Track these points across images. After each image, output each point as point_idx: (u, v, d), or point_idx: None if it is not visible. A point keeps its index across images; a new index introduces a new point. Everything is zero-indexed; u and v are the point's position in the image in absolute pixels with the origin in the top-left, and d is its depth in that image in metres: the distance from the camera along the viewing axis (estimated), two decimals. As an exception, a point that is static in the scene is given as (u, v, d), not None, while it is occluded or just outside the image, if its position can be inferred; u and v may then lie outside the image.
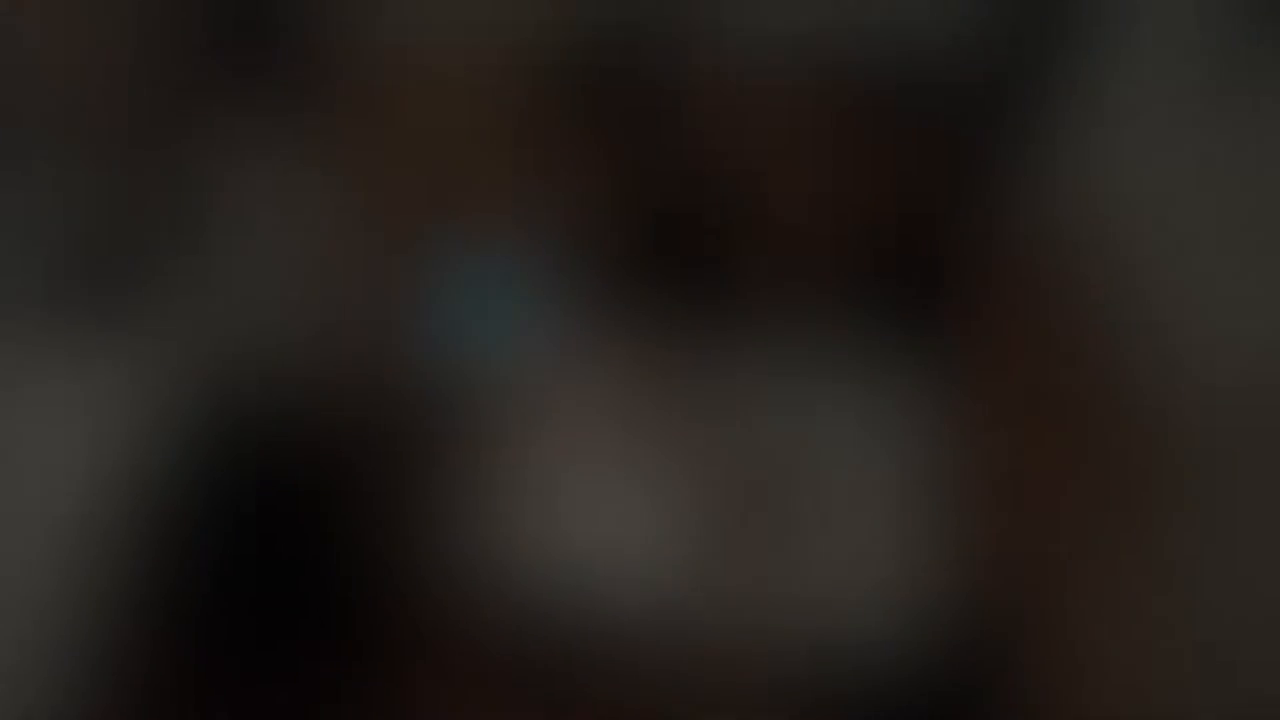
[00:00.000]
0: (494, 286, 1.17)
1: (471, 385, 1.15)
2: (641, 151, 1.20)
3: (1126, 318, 1.15)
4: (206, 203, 1.15)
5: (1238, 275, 1.15)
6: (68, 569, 1.09)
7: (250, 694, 1.10)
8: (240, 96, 1.17)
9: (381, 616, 1.12)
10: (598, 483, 1.14)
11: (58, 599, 1.09)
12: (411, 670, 1.11)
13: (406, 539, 1.12)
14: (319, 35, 1.19)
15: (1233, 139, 1.16)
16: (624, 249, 1.19)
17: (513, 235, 1.18)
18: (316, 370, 1.14)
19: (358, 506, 1.13)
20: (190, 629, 1.10)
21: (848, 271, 1.18)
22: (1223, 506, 1.13)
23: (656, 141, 1.20)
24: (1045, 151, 1.19)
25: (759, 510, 1.14)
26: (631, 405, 1.16)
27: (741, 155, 1.20)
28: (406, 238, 1.18)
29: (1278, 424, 1.13)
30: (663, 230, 1.19)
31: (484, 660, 1.12)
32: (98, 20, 1.14)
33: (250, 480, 1.12)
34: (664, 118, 1.20)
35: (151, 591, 1.10)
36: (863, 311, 1.17)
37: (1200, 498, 1.13)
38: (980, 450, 1.14)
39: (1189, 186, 1.16)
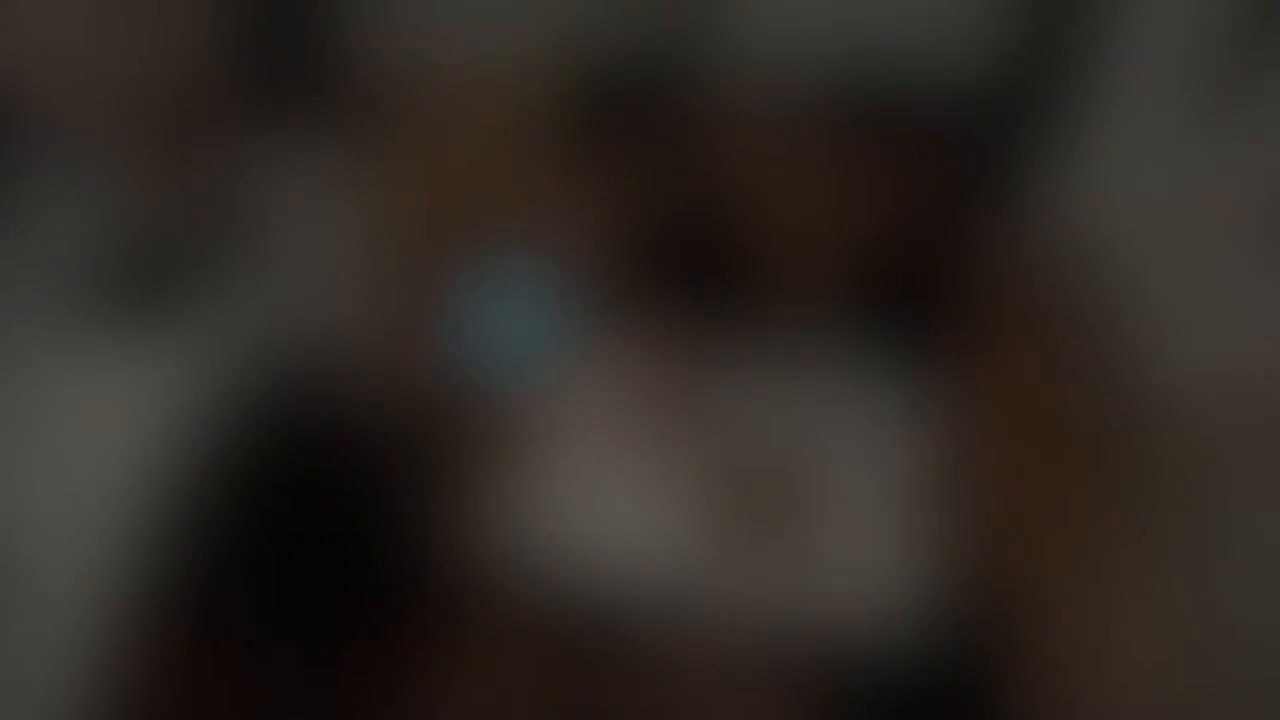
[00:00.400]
0: (518, 294, 1.19)
1: (498, 387, 1.17)
2: (661, 167, 1.23)
3: (1127, 326, 1.18)
4: (248, 211, 1.17)
5: (1239, 284, 1.17)
6: (116, 557, 1.10)
7: (284, 674, 1.11)
8: (282, 111, 1.19)
9: (407, 607, 1.13)
10: (613, 480, 1.16)
11: (104, 584, 1.10)
12: (436, 654, 1.12)
13: (432, 533, 1.14)
14: (357, 54, 1.21)
15: (1237, 152, 1.18)
16: (642, 259, 1.21)
17: (536, 246, 1.21)
18: (349, 371, 1.16)
19: (386, 501, 1.14)
20: (226, 613, 1.11)
21: (854, 280, 1.20)
22: (1221, 507, 1.15)
23: (675, 157, 1.23)
24: (1048, 166, 1.21)
25: (770, 507, 1.16)
26: (647, 408, 1.18)
27: (754, 169, 1.23)
28: (436, 247, 1.20)
29: (1276, 430, 1.15)
30: (679, 241, 1.22)
31: (503, 650, 1.13)
32: (148, 32, 1.17)
33: (287, 477, 1.13)
34: (682, 134, 1.23)
35: (189, 575, 1.11)
36: (869, 319, 1.20)
37: (1199, 499, 1.15)
38: (983, 451, 1.16)
39: (1190, 199, 1.19)
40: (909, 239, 1.21)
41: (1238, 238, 1.17)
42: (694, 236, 1.23)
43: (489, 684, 1.12)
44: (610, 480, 1.16)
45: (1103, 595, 1.14)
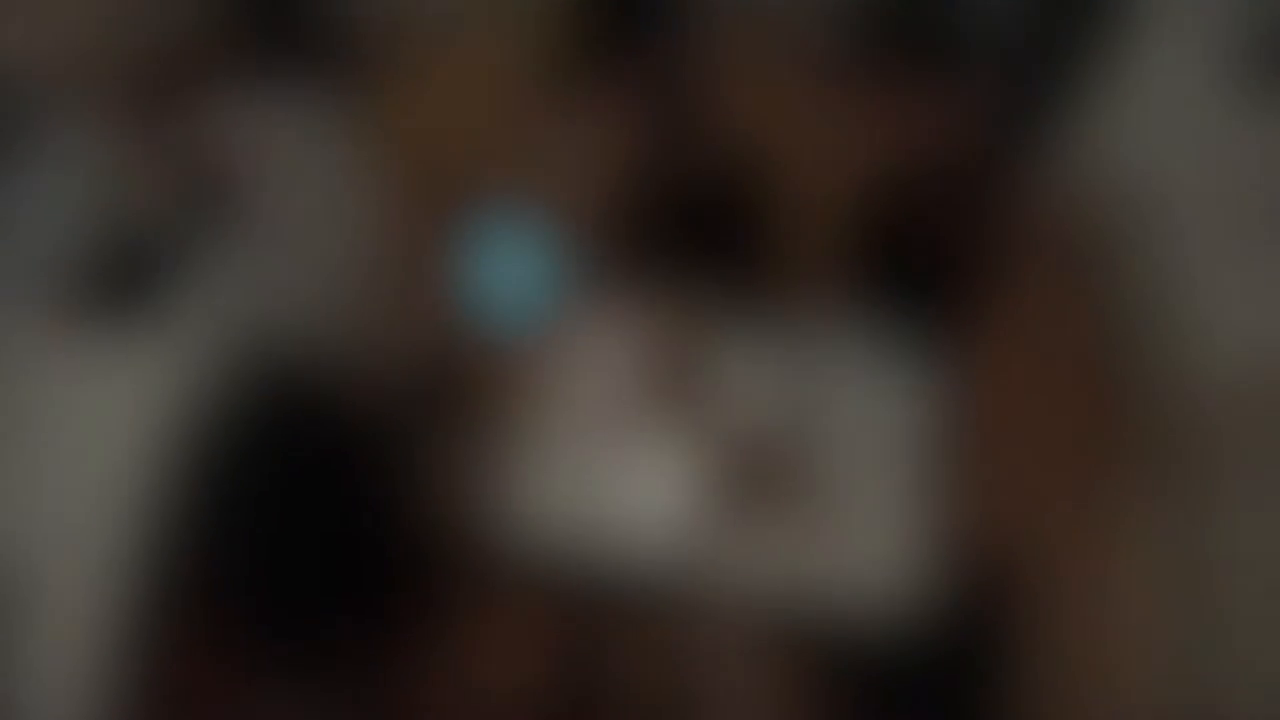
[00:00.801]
0: (517, 248, 1.18)
1: (498, 345, 1.16)
2: (662, 110, 1.20)
3: (1143, 298, 1.16)
4: (238, 173, 1.15)
5: (1271, 250, 1.15)
6: (127, 535, 1.11)
7: (293, 644, 1.11)
8: (270, 67, 1.17)
9: (409, 571, 1.13)
10: (614, 442, 1.15)
11: (117, 563, 1.11)
12: (438, 618, 1.12)
13: (433, 497, 1.14)
14: (344, 4, 1.19)
15: (1263, 124, 1.16)
16: (644, 210, 1.19)
17: (535, 196, 1.19)
18: (348, 333, 1.15)
19: (386, 463, 1.13)
20: (235, 588, 1.12)
21: (868, 235, 1.18)
22: (1232, 488, 1.13)
23: (677, 99, 1.20)
24: (1079, 117, 1.18)
25: (775, 466, 1.15)
26: (649, 364, 1.17)
27: (763, 113, 1.20)
28: (432, 200, 1.18)
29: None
30: (682, 190, 1.20)
31: (505, 615, 1.13)
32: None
33: (288, 444, 1.13)
34: (686, 75, 1.20)
35: (197, 549, 1.12)
36: (883, 276, 1.17)
37: (1211, 478, 1.13)
38: (996, 421, 1.15)
39: (1227, 159, 1.16)
40: (927, 190, 1.19)
41: (1264, 216, 1.15)
42: (699, 184, 1.20)
43: (492, 649, 1.12)
44: (612, 441, 1.15)
45: (1114, 571, 1.13)
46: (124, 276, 1.12)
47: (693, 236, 1.19)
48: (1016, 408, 1.15)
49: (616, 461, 1.15)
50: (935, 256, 1.18)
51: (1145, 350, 1.15)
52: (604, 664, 1.13)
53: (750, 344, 1.17)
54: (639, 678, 1.13)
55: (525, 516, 1.13)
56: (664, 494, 1.15)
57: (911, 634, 1.12)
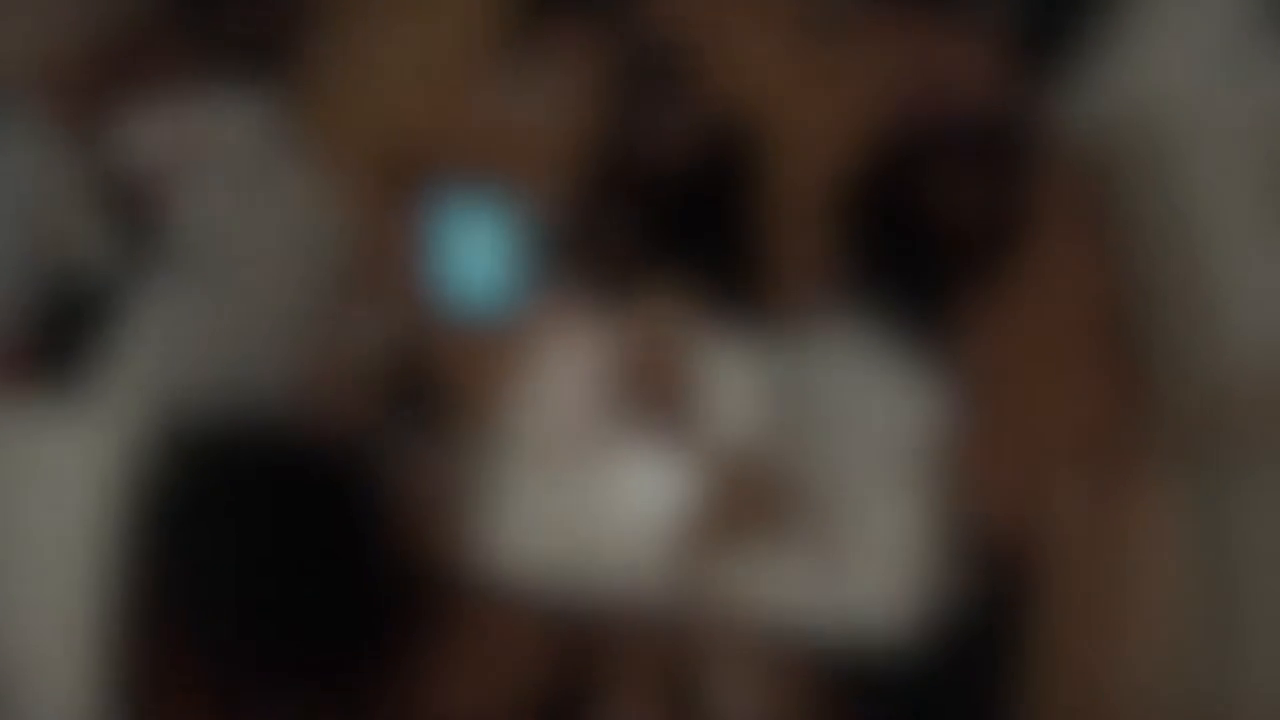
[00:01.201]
0: (487, 236, 1.12)
1: (472, 349, 1.11)
2: (639, 80, 1.14)
3: (1162, 276, 1.10)
4: (183, 173, 1.11)
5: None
6: (99, 585, 1.08)
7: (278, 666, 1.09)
8: (211, 63, 1.12)
9: (388, 593, 1.09)
10: (598, 452, 1.11)
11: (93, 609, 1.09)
12: (413, 640, 1.09)
13: (411, 518, 1.10)
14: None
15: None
16: (621, 192, 1.13)
17: (502, 178, 1.13)
18: (309, 344, 1.11)
19: (360, 484, 1.10)
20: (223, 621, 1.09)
21: (869, 215, 1.12)
22: (1251, 478, 1.09)
23: (658, 70, 1.14)
24: (1095, 64, 1.12)
25: (769, 474, 1.10)
26: (632, 365, 1.11)
27: (754, 78, 1.14)
28: (394, 190, 1.13)
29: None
30: (663, 170, 1.14)
31: (485, 634, 1.10)
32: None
33: (262, 470, 1.09)
34: (666, 41, 1.14)
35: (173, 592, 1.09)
36: (885, 260, 1.12)
37: (1230, 468, 1.09)
38: (1003, 419, 1.10)
39: (1246, 108, 1.10)
40: (935, 158, 1.12)
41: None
42: (678, 160, 1.14)
43: (472, 672, 1.09)
44: (593, 453, 1.11)
45: (1131, 570, 1.10)
46: (75, 318, 1.09)
47: (670, 217, 1.13)
48: (1025, 405, 1.10)
49: (600, 472, 1.10)
50: (943, 231, 1.12)
51: (1163, 331, 1.10)
52: (589, 685, 1.10)
53: (740, 336, 1.11)
54: (625, 699, 1.10)
55: (507, 538, 1.09)
56: (650, 502, 1.10)
57: (919, 647, 1.08)
